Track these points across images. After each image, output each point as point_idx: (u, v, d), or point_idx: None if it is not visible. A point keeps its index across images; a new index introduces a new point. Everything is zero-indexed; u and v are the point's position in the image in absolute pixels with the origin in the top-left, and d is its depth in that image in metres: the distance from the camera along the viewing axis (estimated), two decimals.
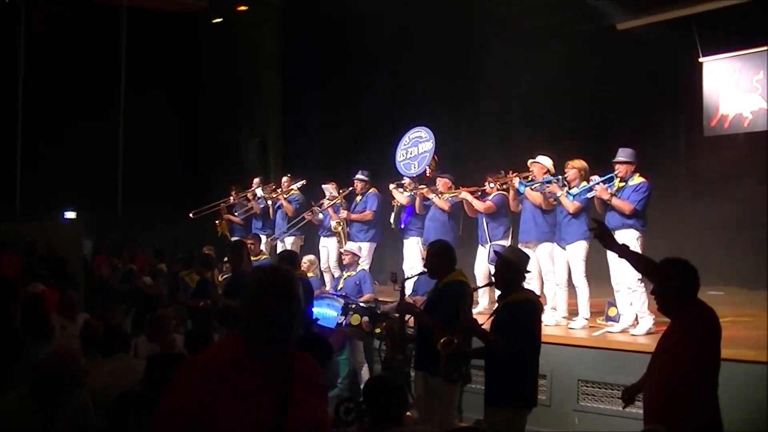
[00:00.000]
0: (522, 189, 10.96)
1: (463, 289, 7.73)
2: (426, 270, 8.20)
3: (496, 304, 7.25)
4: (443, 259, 7.93)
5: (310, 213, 14.20)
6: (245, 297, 3.44)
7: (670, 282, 5.57)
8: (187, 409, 3.22)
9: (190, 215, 14.97)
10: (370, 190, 13.59)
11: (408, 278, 9.47)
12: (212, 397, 3.21)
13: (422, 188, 12.52)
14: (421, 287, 9.99)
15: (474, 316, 7.44)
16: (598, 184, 10.09)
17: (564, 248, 10.54)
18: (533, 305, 7.10)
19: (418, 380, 7.95)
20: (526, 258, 7.62)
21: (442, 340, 6.92)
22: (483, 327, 7.07)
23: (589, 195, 10.25)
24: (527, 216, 11.19)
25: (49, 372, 5.31)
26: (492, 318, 7.17)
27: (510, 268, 7.11)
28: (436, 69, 15.90)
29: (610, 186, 10.06)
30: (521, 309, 6.89)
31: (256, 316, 3.36)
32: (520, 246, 11.03)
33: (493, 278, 7.36)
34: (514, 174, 11.29)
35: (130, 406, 4.96)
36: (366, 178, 13.65)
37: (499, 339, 6.74)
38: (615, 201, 9.82)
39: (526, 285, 10.57)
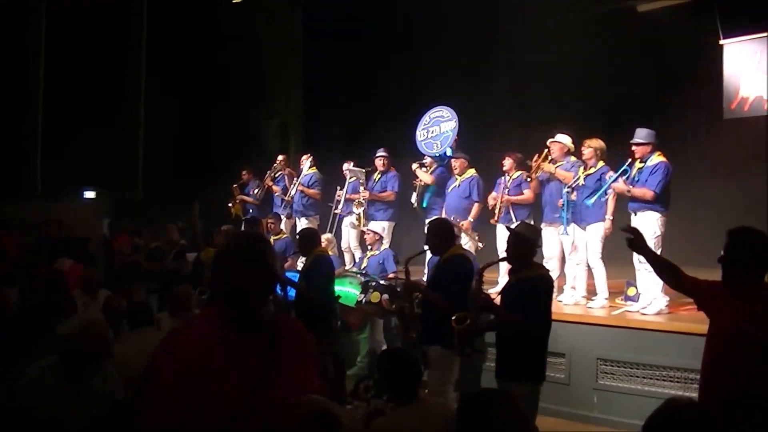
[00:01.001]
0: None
1: (464, 263, 7.98)
2: (427, 247, 8.39)
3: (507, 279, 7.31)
4: (442, 236, 8.12)
5: (335, 203, 14.23)
6: (216, 270, 3.45)
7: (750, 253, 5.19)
8: (167, 382, 3.27)
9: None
10: (390, 170, 13.62)
11: (411, 257, 9.57)
12: (191, 370, 3.24)
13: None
14: None
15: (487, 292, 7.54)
16: (613, 182, 10.07)
17: (584, 229, 10.55)
18: (548, 281, 7.17)
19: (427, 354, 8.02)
20: (539, 233, 7.74)
21: (454, 317, 7.01)
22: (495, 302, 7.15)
23: (607, 195, 10.24)
24: (549, 197, 11.24)
25: (77, 343, 5.32)
26: (504, 293, 7.25)
27: (523, 244, 7.14)
28: (455, 49, 15.88)
29: (627, 175, 10.04)
30: (536, 285, 6.96)
31: (222, 284, 3.39)
32: (543, 226, 11.12)
33: (506, 254, 7.38)
34: (541, 160, 11.30)
35: None
36: (386, 155, 13.70)
37: (514, 315, 6.79)
38: (635, 191, 9.80)
39: (545, 264, 10.83)
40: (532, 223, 11.08)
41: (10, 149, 19.10)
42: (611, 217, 10.25)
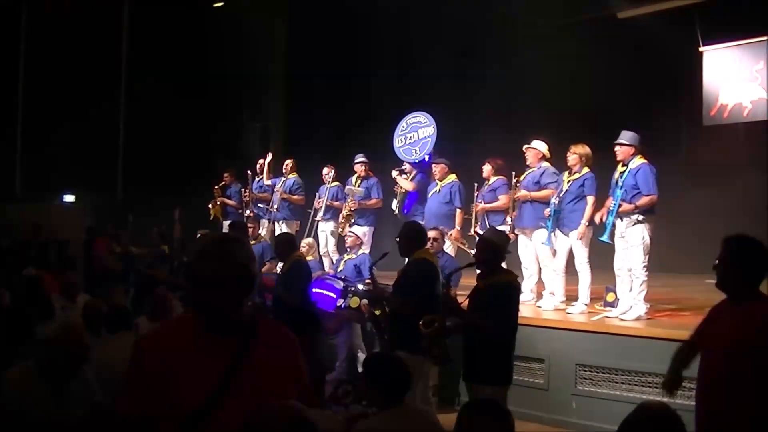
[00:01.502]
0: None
1: (428, 267, 8.14)
2: (386, 253, 9.01)
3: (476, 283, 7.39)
4: (410, 239, 8.32)
5: (315, 207, 14.18)
6: (189, 273, 3.49)
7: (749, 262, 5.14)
8: (140, 384, 3.30)
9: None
10: (370, 176, 13.59)
11: (375, 262, 9.90)
12: (162, 371, 3.25)
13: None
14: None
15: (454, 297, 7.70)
16: (616, 219, 9.85)
17: (567, 234, 10.56)
18: (515, 287, 7.29)
19: None
20: (507, 239, 7.83)
21: (422, 320, 7.13)
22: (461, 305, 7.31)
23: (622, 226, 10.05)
24: (526, 204, 11.24)
25: (55, 347, 5.40)
26: (471, 297, 7.31)
27: (491, 249, 7.24)
28: (439, 54, 15.92)
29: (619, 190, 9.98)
30: (503, 290, 7.07)
31: (193, 283, 3.38)
32: (517, 232, 11.16)
33: (474, 259, 7.52)
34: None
35: None
36: (367, 160, 13.64)
37: (481, 320, 6.91)
38: (641, 202, 9.64)
39: (523, 270, 10.87)
40: (506, 228, 11.13)
41: None
42: (586, 222, 10.23)
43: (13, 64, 19.10)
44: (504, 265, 7.68)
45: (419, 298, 7.61)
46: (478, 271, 7.51)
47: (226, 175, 16.34)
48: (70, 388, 5.47)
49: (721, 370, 5.07)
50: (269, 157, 15.48)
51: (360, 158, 13.69)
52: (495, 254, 7.24)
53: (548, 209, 10.67)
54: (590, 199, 10.30)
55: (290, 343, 3.63)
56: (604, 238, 9.76)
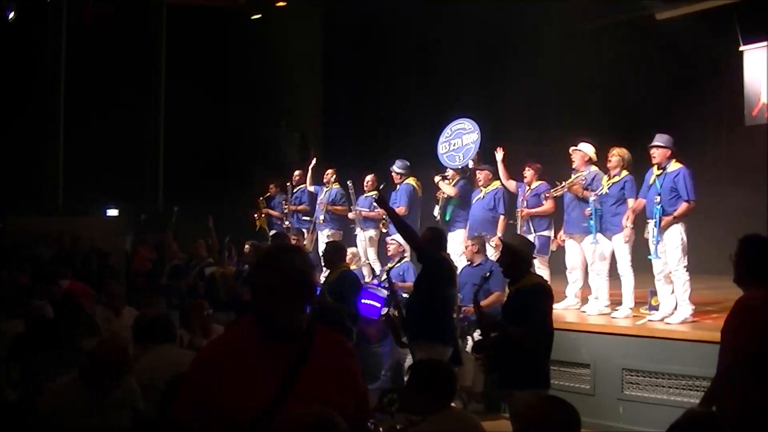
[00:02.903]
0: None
1: (442, 266, 8.64)
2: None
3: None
4: (428, 242, 8.73)
5: (353, 213, 14.18)
6: (253, 284, 3.50)
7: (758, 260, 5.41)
8: (197, 391, 3.33)
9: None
10: (405, 182, 13.51)
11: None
12: (220, 378, 3.28)
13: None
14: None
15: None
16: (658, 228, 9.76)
17: (609, 238, 10.48)
18: (545, 289, 7.21)
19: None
20: (532, 245, 7.84)
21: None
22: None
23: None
24: (569, 208, 11.18)
25: (97, 358, 5.48)
26: (504, 305, 7.45)
27: (515, 256, 7.24)
28: (473, 57, 15.88)
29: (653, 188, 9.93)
30: (534, 293, 7.03)
31: (254, 291, 3.43)
32: (564, 237, 11.10)
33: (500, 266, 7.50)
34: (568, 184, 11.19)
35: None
36: (401, 171, 13.53)
37: (517, 329, 6.87)
38: (681, 210, 9.58)
39: (568, 274, 10.82)
40: (551, 233, 11.10)
41: (32, 165, 19.17)
42: (630, 225, 10.16)
43: (55, 78, 19.23)
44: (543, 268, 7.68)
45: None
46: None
47: (271, 186, 16.40)
48: (113, 398, 5.53)
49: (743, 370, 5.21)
50: (313, 162, 15.58)
51: (395, 167, 13.57)
52: (517, 259, 7.22)
53: (588, 209, 10.59)
54: (631, 202, 10.24)
55: (346, 350, 3.67)
56: (653, 256, 9.71)
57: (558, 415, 3.64)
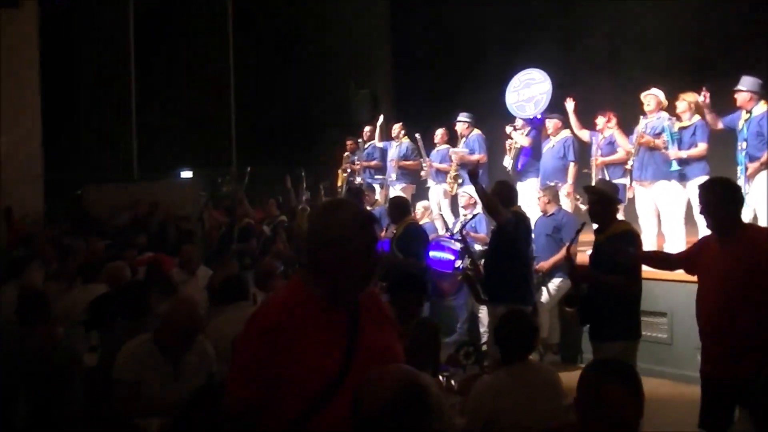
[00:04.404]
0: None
1: (518, 221, 8.65)
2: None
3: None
4: (499, 197, 8.70)
5: (424, 168, 14.21)
6: (318, 243, 3.33)
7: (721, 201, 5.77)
8: (254, 359, 3.23)
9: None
10: (473, 132, 13.49)
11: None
12: (279, 345, 3.19)
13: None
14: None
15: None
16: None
17: (684, 185, 10.28)
18: (636, 235, 7.12)
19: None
20: (617, 190, 7.64)
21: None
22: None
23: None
24: (642, 154, 10.96)
25: (168, 321, 5.55)
26: (594, 253, 7.12)
27: (605, 200, 7.07)
28: (544, 8, 15.59)
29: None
30: (626, 240, 6.84)
31: (332, 263, 3.28)
32: (635, 185, 10.90)
33: (588, 213, 7.32)
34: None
35: None
36: (468, 120, 13.54)
37: (615, 277, 6.69)
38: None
39: (640, 223, 10.64)
40: (626, 181, 10.91)
41: (107, 133, 19.44)
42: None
43: (125, 45, 19.44)
44: (620, 216, 7.53)
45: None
46: (595, 226, 7.30)
47: (349, 143, 16.44)
48: (188, 361, 5.59)
49: (719, 304, 5.67)
50: (380, 119, 15.58)
51: (461, 118, 13.61)
52: (608, 205, 7.07)
53: (673, 152, 10.33)
54: (702, 146, 10.02)
55: (382, 305, 3.62)
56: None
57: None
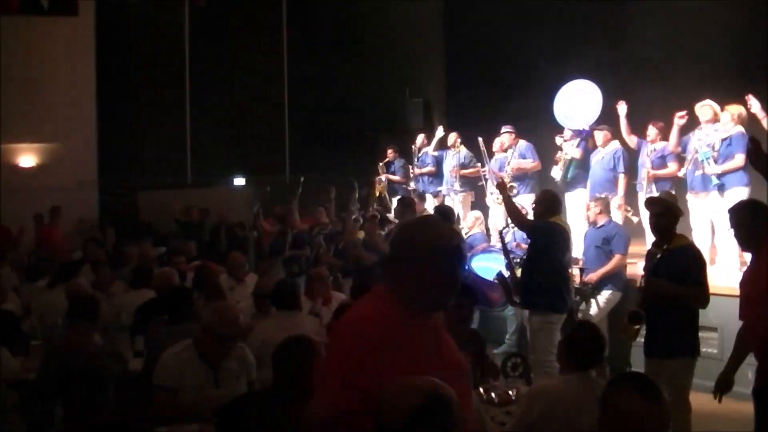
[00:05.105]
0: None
1: (552, 230, 8.70)
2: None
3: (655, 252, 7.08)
4: (542, 206, 8.90)
5: (480, 174, 14.24)
6: (413, 258, 3.32)
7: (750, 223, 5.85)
8: (351, 361, 3.21)
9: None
10: (521, 142, 13.54)
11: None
12: (374, 352, 3.18)
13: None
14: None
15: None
16: None
17: (722, 195, 10.19)
18: (698, 249, 7.07)
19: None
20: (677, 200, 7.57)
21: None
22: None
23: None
24: (693, 166, 10.82)
25: (208, 328, 5.60)
26: (656, 267, 6.95)
27: (671, 213, 6.99)
28: (594, 17, 15.50)
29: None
30: (692, 254, 6.82)
31: (426, 279, 3.29)
32: (688, 197, 10.79)
33: (650, 225, 7.24)
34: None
35: None
36: (512, 130, 13.62)
37: (692, 289, 6.67)
38: None
39: (694, 236, 10.52)
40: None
41: (161, 139, 19.63)
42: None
43: (180, 52, 19.64)
44: None
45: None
46: (652, 238, 7.23)
47: (389, 151, 16.48)
48: (228, 368, 5.65)
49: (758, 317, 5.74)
50: (440, 129, 15.78)
51: (505, 129, 13.67)
52: (674, 218, 7.01)
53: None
54: (740, 157, 9.94)
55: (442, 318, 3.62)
56: None
57: None
